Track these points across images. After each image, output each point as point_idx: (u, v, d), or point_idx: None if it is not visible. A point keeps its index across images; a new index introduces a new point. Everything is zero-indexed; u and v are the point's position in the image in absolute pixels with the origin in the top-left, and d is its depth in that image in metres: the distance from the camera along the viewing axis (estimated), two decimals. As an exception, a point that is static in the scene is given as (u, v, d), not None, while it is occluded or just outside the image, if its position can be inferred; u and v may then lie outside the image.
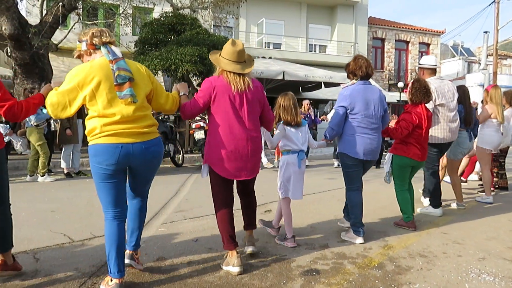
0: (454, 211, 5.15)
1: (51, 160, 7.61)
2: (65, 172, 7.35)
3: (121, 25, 14.45)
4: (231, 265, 2.98)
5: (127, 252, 2.83)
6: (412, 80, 4.36)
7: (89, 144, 2.54)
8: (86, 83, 2.45)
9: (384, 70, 23.96)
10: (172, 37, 12.63)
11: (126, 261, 2.77)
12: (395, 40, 24.28)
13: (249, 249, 3.28)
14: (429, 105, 4.51)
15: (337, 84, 15.18)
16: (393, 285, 2.84)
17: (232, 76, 2.97)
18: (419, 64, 5.08)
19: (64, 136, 7.21)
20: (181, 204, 5.23)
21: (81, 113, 7.42)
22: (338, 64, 20.30)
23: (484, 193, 5.87)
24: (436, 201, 4.88)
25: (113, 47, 2.57)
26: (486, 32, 19.53)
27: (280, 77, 12.94)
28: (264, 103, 3.19)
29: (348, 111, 3.74)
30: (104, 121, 2.47)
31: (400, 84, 21.82)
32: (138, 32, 14.35)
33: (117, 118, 2.47)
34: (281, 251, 3.46)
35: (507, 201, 5.92)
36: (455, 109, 4.78)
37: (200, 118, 9.14)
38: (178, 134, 10.22)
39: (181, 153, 9.36)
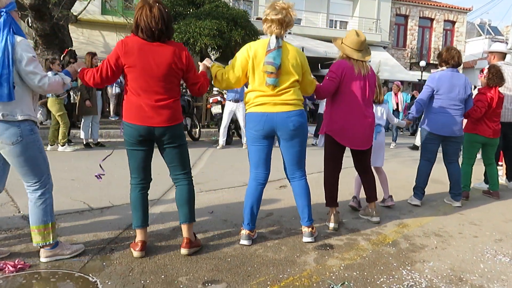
0: (472, 192, 5.08)
1: (71, 130, 7.74)
2: (85, 142, 7.49)
3: (140, -3, 14.32)
4: (327, 222, 3.54)
5: (306, 230, 3.15)
6: (488, 66, 4.85)
7: (246, 112, 3.09)
8: (249, 58, 2.94)
9: (406, 48, 23.33)
10: (191, 10, 12.49)
11: (307, 239, 3.13)
12: (419, 17, 23.51)
13: (374, 219, 3.69)
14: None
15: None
16: (406, 262, 2.84)
17: (355, 62, 3.45)
18: (490, 51, 5.53)
19: (84, 107, 7.30)
20: (197, 177, 5.28)
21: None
22: (358, 41, 19.80)
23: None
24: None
25: (272, 37, 2.94)
26: (515, 10, 18.72)
27: (299, 53, 12.71)
28: (375, 87, 3.70)
29: (434, 92, 4.30)
30: (256, 94, 2.96)
31: (422, 63, 21.24)
32: (157, 5, 14.18)
33: (265, 93, 2.94)
34: (296, 225, 3.48)
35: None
36: None
37: (217, 93, 9.12)
38: (195, 108, 10.24)
39: (198, 127, 9.39)
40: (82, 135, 7.52)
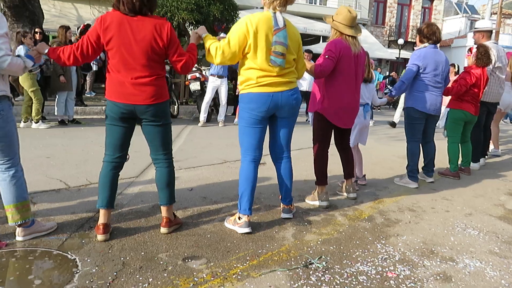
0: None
1: (44, 107, 7.52)
2: (59, 119, 7.30)
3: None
4: (319, 200, 3.55)
5: (285, 207, 3.19)
6: (476, 45, 4.81)
7: (242, 92, 2.90)
8: (249, 33, 2.74)
9: (385, 26, 23.41)
10: (168, -17, 12.13)
11: (286, 215, 3.18)
12: (399, -5, 23.52)
13: (351, 195, 3.79)
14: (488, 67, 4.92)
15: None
16: (381, 236, 2.94)
17: (350, 39, 3.42)
18: (476, 28, 5.47)
19: (58, 83, 7.08)
20: (176, 154, 5.22)
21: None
22: (338, 17, 19.74)
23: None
24: (476, 155, 5.43)
25: (277, 14, 2.81)
26: (492, -11, 18.94)
27: (279, 29, 12.57)
28: (365, 66, 3.71)
29: (420, 71, 4.21)
30: (260, 73, 2.81)
31: (400, 41, 21.39)
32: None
33: (270, 74, 2.82)
34: (275, 202, 3.54)
35: (500, 162, 6.03)
36: (505, 74, 5.32)
37: (196, 69, 8.97)
38: (173, 85, 10.08)
39: (177, 104, 9.28)
40: (56, 111, 7.32)
